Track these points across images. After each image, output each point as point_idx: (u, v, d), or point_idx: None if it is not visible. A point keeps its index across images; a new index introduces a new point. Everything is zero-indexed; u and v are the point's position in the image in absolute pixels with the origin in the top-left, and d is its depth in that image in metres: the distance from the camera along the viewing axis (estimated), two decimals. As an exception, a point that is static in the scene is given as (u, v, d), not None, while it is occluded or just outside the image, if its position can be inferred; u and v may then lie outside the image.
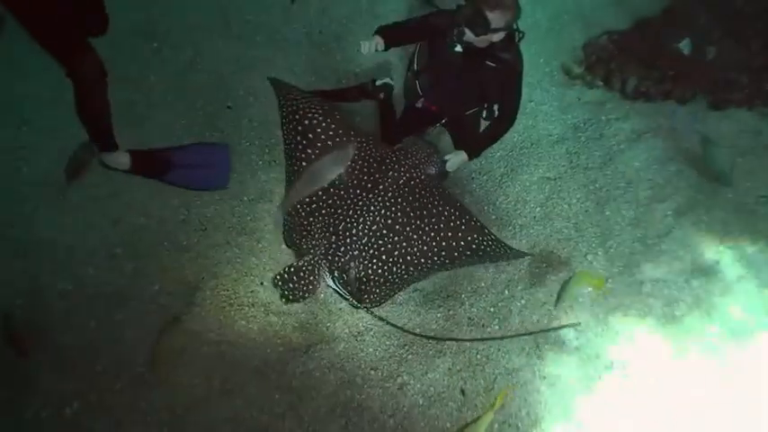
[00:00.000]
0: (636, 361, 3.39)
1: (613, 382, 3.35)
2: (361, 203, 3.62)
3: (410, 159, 3.87)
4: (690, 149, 4.37)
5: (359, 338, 3.50)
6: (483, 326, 3.57)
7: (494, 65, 3.69)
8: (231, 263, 3.66)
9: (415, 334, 3.49)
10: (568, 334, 3.50)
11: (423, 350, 3.47)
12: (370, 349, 3.47)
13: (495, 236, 3.72)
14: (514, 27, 3.55)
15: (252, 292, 3.57)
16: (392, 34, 3.75)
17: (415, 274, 3.57)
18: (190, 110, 4.31)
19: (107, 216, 3.62)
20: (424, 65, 4.10)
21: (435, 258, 3.60)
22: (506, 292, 3.74)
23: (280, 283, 3.44)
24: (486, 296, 3.74)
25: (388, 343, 3.49)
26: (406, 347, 3.48)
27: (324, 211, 3.65)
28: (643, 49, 5.11)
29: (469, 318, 3.62)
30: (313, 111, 3.82)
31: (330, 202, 3.67)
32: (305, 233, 3.65)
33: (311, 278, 3.45)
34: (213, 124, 4.29)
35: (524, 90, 3.89)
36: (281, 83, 4.15)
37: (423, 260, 3.58)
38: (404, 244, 3.57)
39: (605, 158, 4.40)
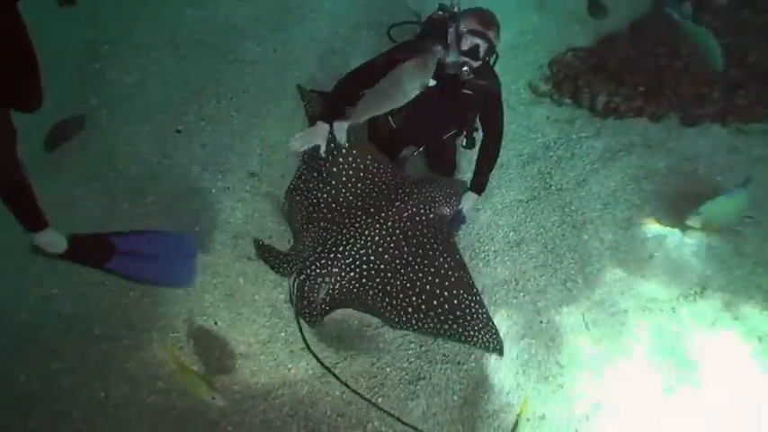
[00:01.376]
0: (625, 398, 3.14)
1: (601, 422, 3.09)
2: (357, 225, 3.44)
3: (423, 195, 3.61)
4: (666, 167, 4.18)
5: (323, 380, 3.20)
6: (459, 363, 3.30)
7: (470, 92, 3.57)
8: (181, 301, 3.35)
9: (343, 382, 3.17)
10: (552, 370, 3.24)
11: (394, 392, 3.18)
12: (337, 392, 3.17)
13: (482, 303, 3.39)
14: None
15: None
16: (349, 97, 3.43)
17: (389, 310, 3.32)
18: (136, 135, 4.05)
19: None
20: None
21: (415, 300, 3.32)
22: (482, 324, 3.48)
23: (260, 249, 3.55)
24: (461, 330, 3.46)
25: (355, 385, 3.18)
26: (376, 389, 3.19)
27: (321, 224, 3.51)
28: (611, 65, 4.96)
29: (444, 354, 3.35)
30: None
31: (329, 216, 3.53)
32: (300, 237, 3.57)
33: (286, 267, 3.47)
34: (161, 150, 4.04)
35: (492, 109, 3.77)
36: (308, 92, 3.99)
37: (401, 297, 3.32)
38: (388, 275, 3.34)
39: (579, 179, 4.20)
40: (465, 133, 3.85)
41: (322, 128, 3.36)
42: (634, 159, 4.27)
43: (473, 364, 3.30)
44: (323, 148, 3.38)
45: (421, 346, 3.39)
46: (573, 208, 4.02)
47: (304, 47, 5.06)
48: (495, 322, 3.38)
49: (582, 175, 4.22)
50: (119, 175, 3.81)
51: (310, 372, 3.23)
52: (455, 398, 3.17)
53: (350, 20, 5.37)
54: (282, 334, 3.35)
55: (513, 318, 3.48)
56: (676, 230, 3.77)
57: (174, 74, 4.55)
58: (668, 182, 4.07)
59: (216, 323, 3.31)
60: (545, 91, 5.07)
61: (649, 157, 4.25)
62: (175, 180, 3.88)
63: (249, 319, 3.35)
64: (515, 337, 3.40)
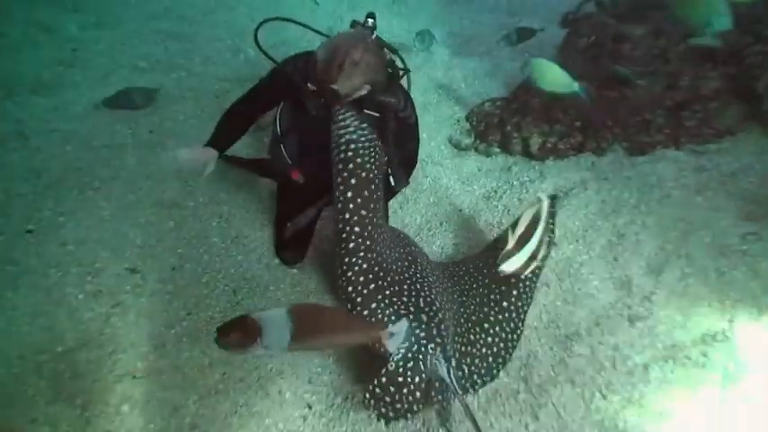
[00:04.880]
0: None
1: None
2: (419, 275, 2.79)
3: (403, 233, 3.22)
4: (633, 198, 3.54)
5: None
6: None
7: (375, 113, 2.99)
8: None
9: None
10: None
11: None
12: None
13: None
14: (389, 71, 2.97)
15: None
16: (237, 127, 3.23)
17: (500, 332, 2.79)
18: (-36, 239, 3.04)
19: None
20: (286, 126, 3.28)
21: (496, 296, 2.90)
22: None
23: (372, 402, 2.39)
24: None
25: None
26: None
27: (387, 291, 2.64)
28: (536, 105, 4.43)
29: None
30: None
31: (389, 279, 2.70)
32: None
33: (416, 381, 2.39)
34: (7, 257, 3.05)
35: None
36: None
37: (493, 308, 2.86)
38: (471, 303, 2.89)
39: (537, 223, 3.49)
40: (389, 170, 3.13)
41: (210, 152, 3.03)
42: (592, 194, 3.63)
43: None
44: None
45: None
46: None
47: (188, 126, 4.28)
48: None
49: (538, 218, 3.52)
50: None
51: None
52: None
53: (235, 95, 4.66)
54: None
55: (501, 405, 2.62)
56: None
57: (22, 168, 3.66)
58: (641, 211, 3.42)
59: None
60: (468, 144, 4.49)
61: (610, 190, 3.63)
62: (25, 290, 2.90)
63: (142, 462, 2.34)
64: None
